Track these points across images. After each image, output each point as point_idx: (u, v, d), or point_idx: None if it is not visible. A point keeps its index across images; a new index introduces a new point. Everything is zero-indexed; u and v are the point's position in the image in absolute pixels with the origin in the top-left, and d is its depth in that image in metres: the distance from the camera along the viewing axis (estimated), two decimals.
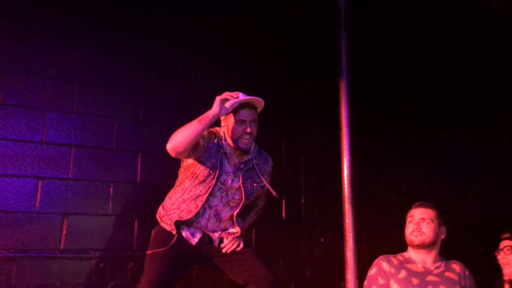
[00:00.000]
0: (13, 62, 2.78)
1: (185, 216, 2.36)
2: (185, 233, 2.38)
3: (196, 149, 2.32)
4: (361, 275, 2.70)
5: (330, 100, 3.57)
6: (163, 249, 2.33)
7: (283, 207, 3.48)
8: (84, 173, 2.86)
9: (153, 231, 2.45)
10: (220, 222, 2.43)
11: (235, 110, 2.37)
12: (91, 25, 3.02)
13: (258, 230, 3.32)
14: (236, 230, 2.44)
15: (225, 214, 2.43)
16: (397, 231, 2.71)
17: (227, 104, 2.31)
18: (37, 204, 2.72)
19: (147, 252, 2.38)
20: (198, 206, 2.35)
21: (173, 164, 2.55)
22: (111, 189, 2.91)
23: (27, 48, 2.83)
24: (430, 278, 2.39)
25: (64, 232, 2.76)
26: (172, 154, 2.27)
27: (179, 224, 2.37)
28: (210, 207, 2.39)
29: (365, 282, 2.50)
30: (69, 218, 2.78)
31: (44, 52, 2.86)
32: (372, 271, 2.48)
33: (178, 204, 2.39)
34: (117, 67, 3.05)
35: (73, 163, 2.84)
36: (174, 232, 2.36)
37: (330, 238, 3.56)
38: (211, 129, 2.45)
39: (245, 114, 2.38)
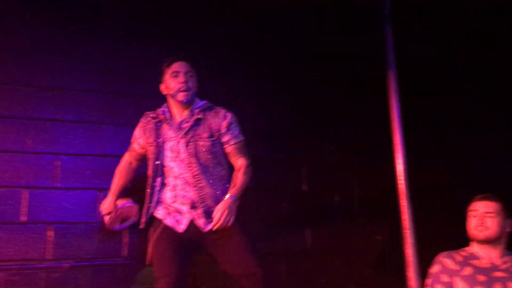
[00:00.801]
0: (69, 79, 2.91)
1: (163, 197, 2.47)
2: (170, 221, 2.42)
3: (141, 153, 2.61)
4: (422, 273, 2.63)
5: (378, 94, 3.51)
6: (161, 246, 2.39)
7: (336, 206, 3.45)
8: (141, 183, 2.94)
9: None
10: (197, 189, 2.40)
11: (168, 65, 2.48)
12: (142, 39, 3.12)
13: (312, 230, 3.31)
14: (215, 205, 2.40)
15: (195, 181, 2.40)
16: (456, 226, 2.62)
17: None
18: (98, 215, 2.83)
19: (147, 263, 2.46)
20: (166, 180, 2.45)
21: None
22: None
23: (81, 65, 2.95)
24: (497, 274, 2.28)
25: (126, 240, 2.86)
26: None
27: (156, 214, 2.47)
28: (175, 178, 2.44)
29: (428, 280, 2.43)
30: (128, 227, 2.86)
31: (97, 68, 2.98)
32: (435, 268, 2.40)
33: (152, 190, 2.49)
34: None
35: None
36: (143, 225, 2.48)
37: (387, 235, 3.49)
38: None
39: (177, 65, 2.45)
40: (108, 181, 2.86)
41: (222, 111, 2.52)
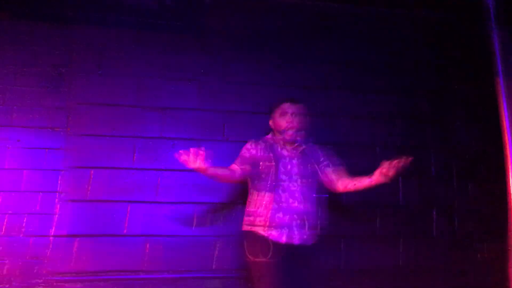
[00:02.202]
0: (170, 99, 3.09)
1: (272, 207, 2.48)
2: (274, 237, 2.44)
3: (248, 163, 2.59)
4: None
5: (482, 104, 3.29)
6: (271, 260, 2.39)
7: (434, 221, 3.26)
8: (235, 197, 3.01)
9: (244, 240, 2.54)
10: (299, 203, 2.52)
11: (277, 105, 2.65)
12: (233, 59, 3.24)
13: (406, 246, 3.15)
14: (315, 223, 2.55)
15: (300, 195, 2.53)
16: None
17: None
18: (193, 228, 2.93)
19: (253, 260, 2.44)
20: (276, 193, 2.50)
21: None
22: None
23: (181, 86, 3.12)
24: None
25: (216, 253, 2.92)
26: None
27: (270, 225, 2.46)
28: (284, 190, 2.52)
29: None
30: (219, 240, 2.94)
31: (195, 88, 3.13)
32: None
33: (260, 201, 2.53)
34: (260, 93, 3.19)
35: (225, 188, 3.00)
36: (265, 234, 2.45)
37: (489, 255, 3.23)
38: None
39: (287, 106, 2.62)
40: (204, 196, 2.97)
41: (316, 146, 2.75)
